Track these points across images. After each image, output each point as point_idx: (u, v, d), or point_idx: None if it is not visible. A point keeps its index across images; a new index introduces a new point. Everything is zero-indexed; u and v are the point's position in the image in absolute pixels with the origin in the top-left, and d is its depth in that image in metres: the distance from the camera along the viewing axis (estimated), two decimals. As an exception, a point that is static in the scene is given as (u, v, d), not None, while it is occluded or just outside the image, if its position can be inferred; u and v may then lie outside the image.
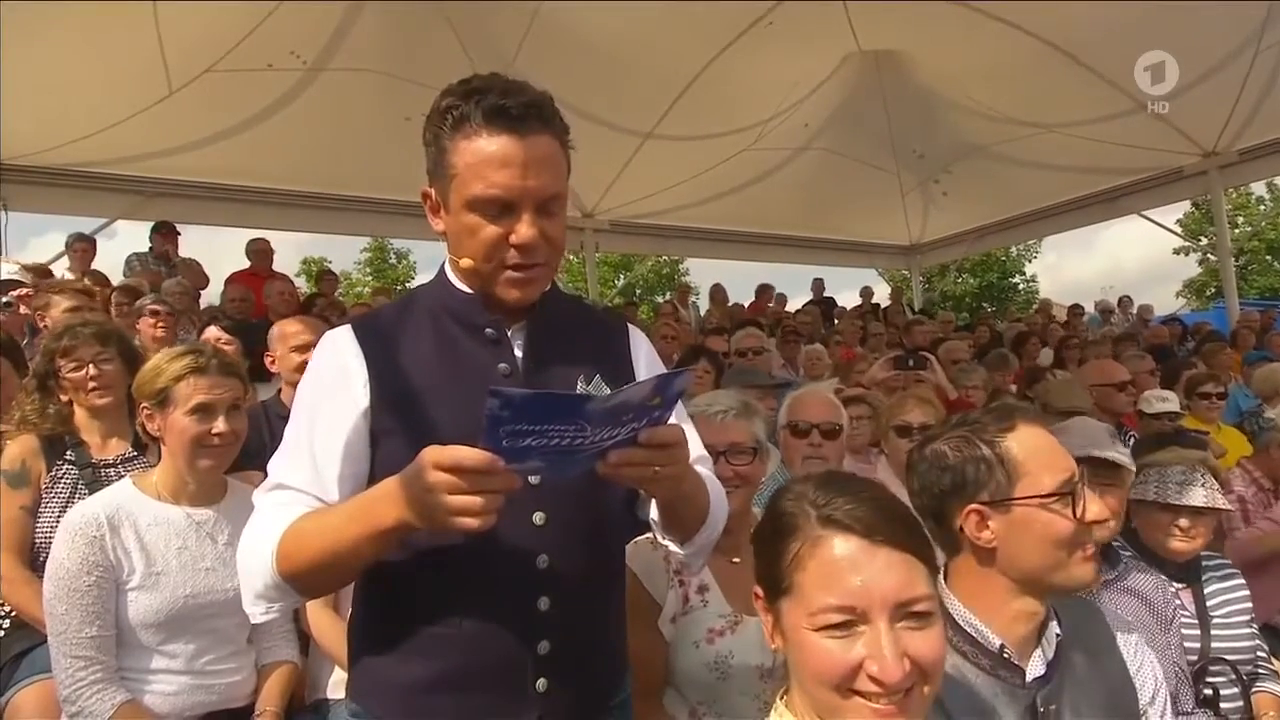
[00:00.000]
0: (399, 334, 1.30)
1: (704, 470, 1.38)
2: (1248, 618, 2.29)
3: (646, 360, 1.45)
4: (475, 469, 0.98)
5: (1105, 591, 2.05)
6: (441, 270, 1.36)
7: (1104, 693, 1.32)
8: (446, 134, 1.22)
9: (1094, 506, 1.25)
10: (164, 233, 7.66)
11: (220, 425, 2.01)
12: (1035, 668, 1.28)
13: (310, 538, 1.12)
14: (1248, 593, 2.33)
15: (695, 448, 1.38)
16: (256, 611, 1.19)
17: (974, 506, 1.27)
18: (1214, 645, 2.22)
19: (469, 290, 1.30)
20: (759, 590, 1.07)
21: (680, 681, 1.86)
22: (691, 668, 1.82)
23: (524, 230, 1.20)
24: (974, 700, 1.24)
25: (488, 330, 1.30)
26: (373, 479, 1.22)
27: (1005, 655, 1.26)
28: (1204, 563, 2.35)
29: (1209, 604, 2.28)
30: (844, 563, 0.97)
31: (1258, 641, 2.29)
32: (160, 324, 4.54)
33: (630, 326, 1.51)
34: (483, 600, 1.22)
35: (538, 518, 1.24)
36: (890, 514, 1.00)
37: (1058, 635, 1.31)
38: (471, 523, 0.99)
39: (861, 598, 0.95)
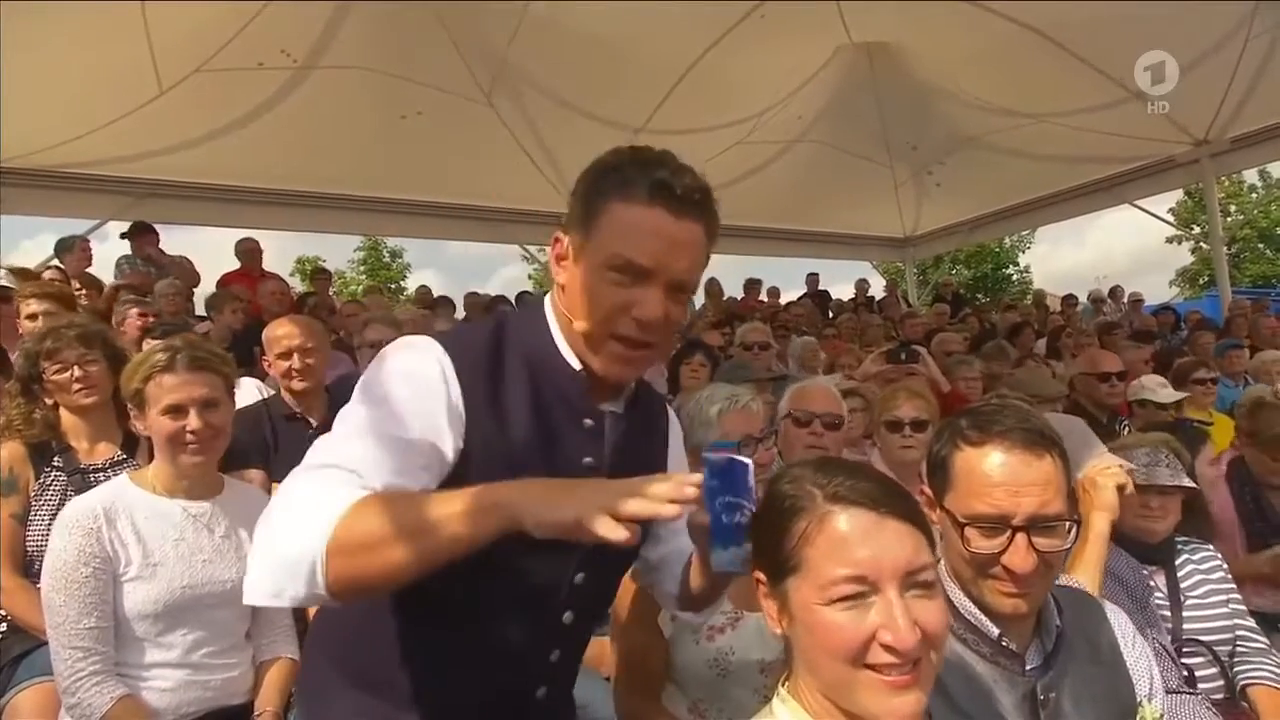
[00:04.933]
0: (496, 385, 1.20)
1: None
2: (1224, 597, 2.29)
3: (675, 444, 1.46)
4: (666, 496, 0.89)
5: None
6: (543, 317, 1.27)
7: (1102, 683, 1.33)
8: (606, 191, 1.18)
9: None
10: (140, 235, 7.43)
11: (193, 422, 1.99)
12: (1034, 657, 1.29)
13: (386, 517, 0.94)
14: (1224, 573, 2.34)
15: None
16: (260, 593, 0.97)
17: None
18: (1186, 626, 2.22)
19: (575, 365, 1.23)
20: (761, 576, 1.07)
21: (680, 678, 1.86)
22: (692, 664, 1.82)
23: (652, 303, 1.15)
24: (974, 686, 1.25)
25: (586, 421, 1.24)
26: None
27: (1004, 644, 1.27)
28: (1177, 544, 2.36)
29: (1182, 585, 2.29)
30: (854, 535, 0.98)
31: (1237, 620, 2.28)
32: (145, 326, 4.40)
33: (669, 409, 1.50)
34: (482, 687, 1.25)
35: (567, 617, 1.28)
36: (892, 489, 1.03)
37: (1057, 626, 1.31)
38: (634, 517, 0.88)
39: (872, 568, 0.96)
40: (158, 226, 7.61)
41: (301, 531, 0.95)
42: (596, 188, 1.20)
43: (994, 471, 1.26)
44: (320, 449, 1.07)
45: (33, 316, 3.81)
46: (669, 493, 0.89)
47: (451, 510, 0.93)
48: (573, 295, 1.20)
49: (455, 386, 1.15)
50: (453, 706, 1.23)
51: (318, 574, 0.93)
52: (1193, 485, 2.33)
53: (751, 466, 1.03)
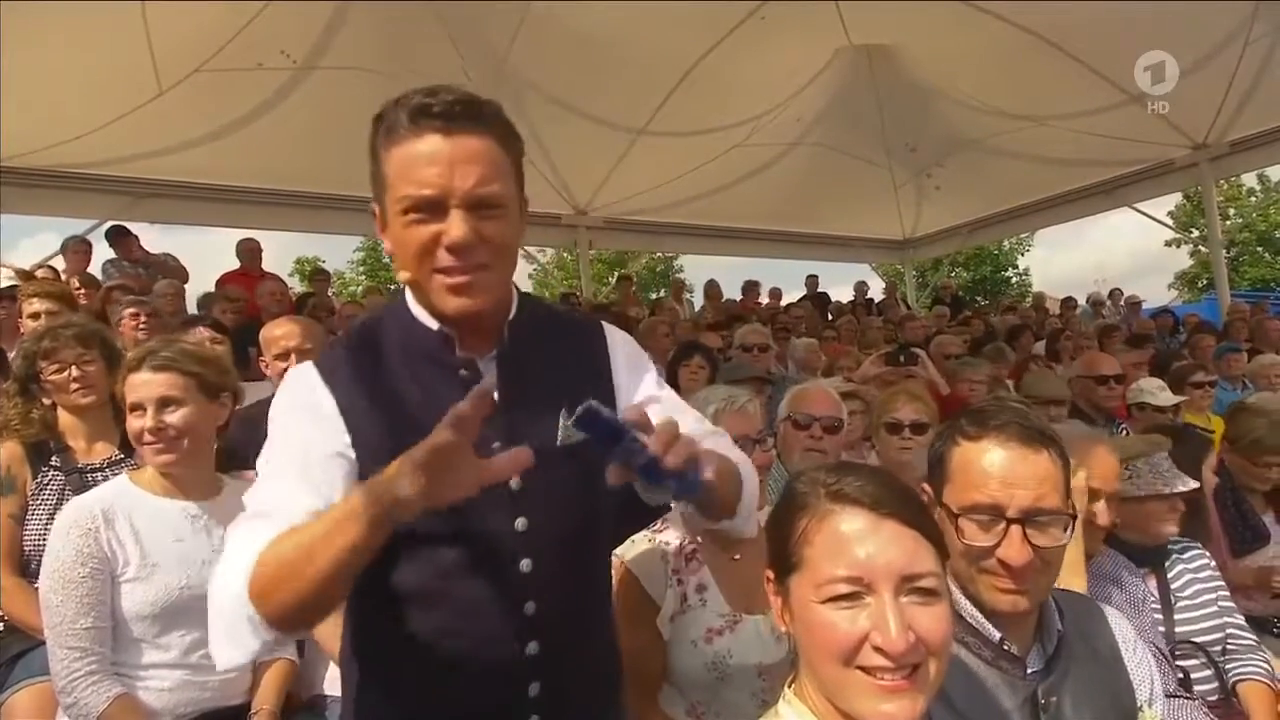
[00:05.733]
0: (366, 373, 1.24)
1: (722, 442, 1.36)
2: (1214, 595, 2.29)
3: (626, 362, 1.40)
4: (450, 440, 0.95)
5: None
6: (403, 301, 1.29)
7: (1103, 687, 1.33)
8: (380, 144, 1.17)
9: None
10: (120, 239, 7.39)
11: (148, 421, 1.96)
12: (1035, 661, 1.29)
13: (283, 559, 1.02)
14: (1213, 570, 2.34)
15: (692, 422, 1.36)
16: (223, 656, 1.07)
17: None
18: (1179, 629, 2.23)
19: (434, 325, 1.24)
20: (770, 573, 1.07)
21: (678, 680, 1.85)
22: (690, 667, 1.82)
23: (453, 229, 1.12)
24: (976, 689, 1.25)
25: (461, 371, 1.24)
26: None
27: (1005, 647, 1.27)
28: (1169, 546, 2.35)
29: (1173, 587, 2.29)
30: (850, 534, 0.98)
31: (1227, 619, 2.28)
32: (140, 325, 4.36)
33: (606, 328, 1.44)
34: (468, 651, 1.23)
35: (524, 565, 1.23)
36: (898, 492, 1.02)
37: (1059, 630, 1.31)
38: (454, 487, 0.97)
39: (867, 569, 0.95)
40: (157, 226, 7.62)
41: (229, 594, 1.05)
42: (372, 146, 1.19)
43: (990, 465, 1.26)
44: (249, 497, 1.18)
45: (35, 315, 3.80)
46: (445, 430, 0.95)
47: (330, 528, 1.00)
48: (395, 256, 1.21)
49: (324, 392, 1.21)
50: (450, 676, 1.24)
51: (257, 625, 1.03)
52: (1196, 484, 2.34)
53: (594, 405, 0.97)
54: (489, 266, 1.18)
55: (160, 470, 2.03)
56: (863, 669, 0.95)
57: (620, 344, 1.42)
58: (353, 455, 1.18)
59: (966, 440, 1.31)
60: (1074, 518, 1.26)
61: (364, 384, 1.23)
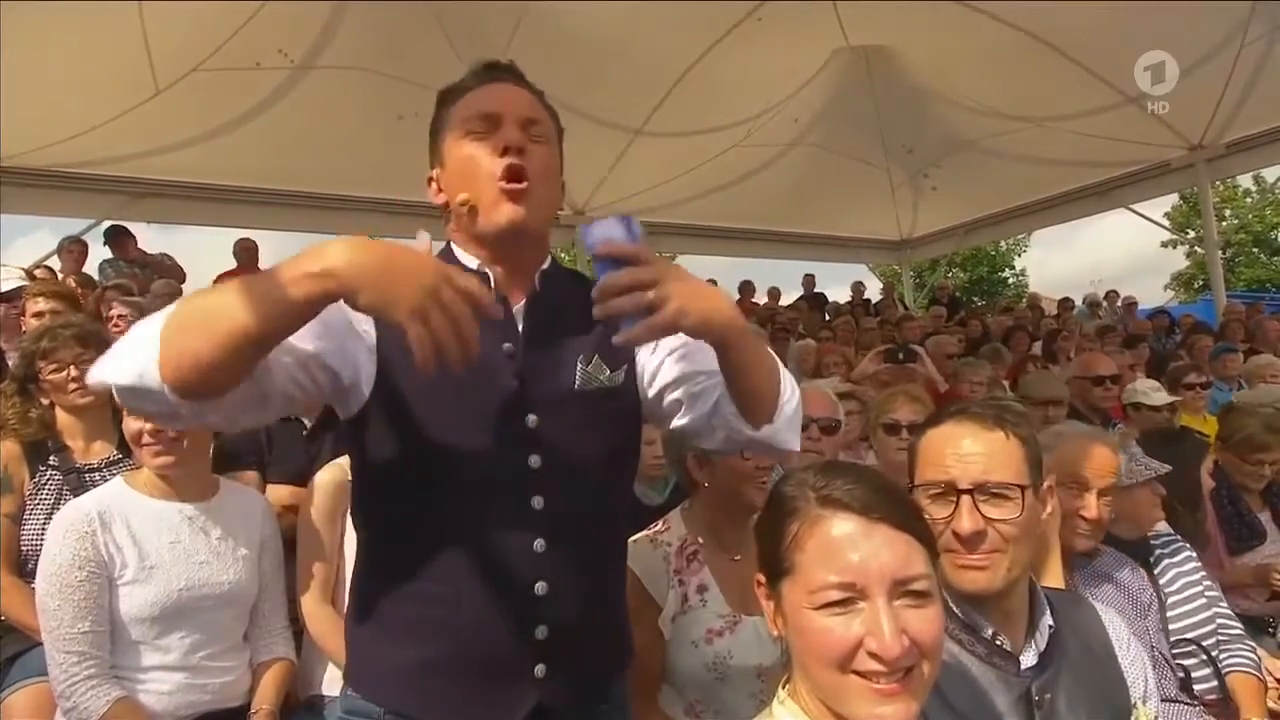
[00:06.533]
0: None
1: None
2: (1201, 589, 2.29)
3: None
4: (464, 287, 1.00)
5: (1080, 576, 2.06)
6: (447, 247, 1.35)
7: (1096, 684, 1.33)
8: (442, 113, 1.33)
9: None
10: (118, 239, 7.42)
11: (145, 423, 1.95)
12: (1028, 657, 1.29)
13: (208, 303, 0.99)
14: (1198, 564, 2.35)
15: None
16: (98, 369, 1.02)
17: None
18: (1173, 626, 2.23)
19: (474, 264, 1.30)
20: (761, 577, 1.07)
21: (678, 680, 1.86)
22: (690, 667, 1.82)
23: (511, 133, 1.25)
24: (970, 686, 1.25)
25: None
26: (364, 432, 1.23)
27: (999, 643, 1.27)
28: (1151, 542, 2.35)
29: (1162, 583, 2.29)
30: (842, 540, 0.98)
31: (1215, 610, 2.29)
32: (117, 328, 4.22)
33: None
34: (480, 585, 1.22)
35: (536, 502, 1.24)
36: (888, 495, 1.02)
37: (1050, 627, 1.32)
38: (438, 339, 0.97)
39: (860, 574, 0.96)
40: (154, 226, 7.61)
41: (143, 328, 1.01)
42: (435, 120, 1.35)
43: (945, 443, 1.31)
44: None
45: (39, 315, 3.79)
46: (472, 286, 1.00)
47: (280, 277, 0.96)
48: (453, 186, 1.29)
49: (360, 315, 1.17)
50: (456, 614, 1.22)
51: (153, 356, 0.97)
52: (1168, 467, 2.36)
53: (614, 222, 1.08)
54: (536, 184, 1.26)
55: (158, 472, 2.02)
56: (858, 673, 0.95)
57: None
58: (373, 343, 1.19)
59: (930, 428, 1.37)
60: (1025, 489, 1.27)
61: None
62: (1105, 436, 2.16)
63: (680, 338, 1.27)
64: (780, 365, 1.34)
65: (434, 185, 1.35)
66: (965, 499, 1.26)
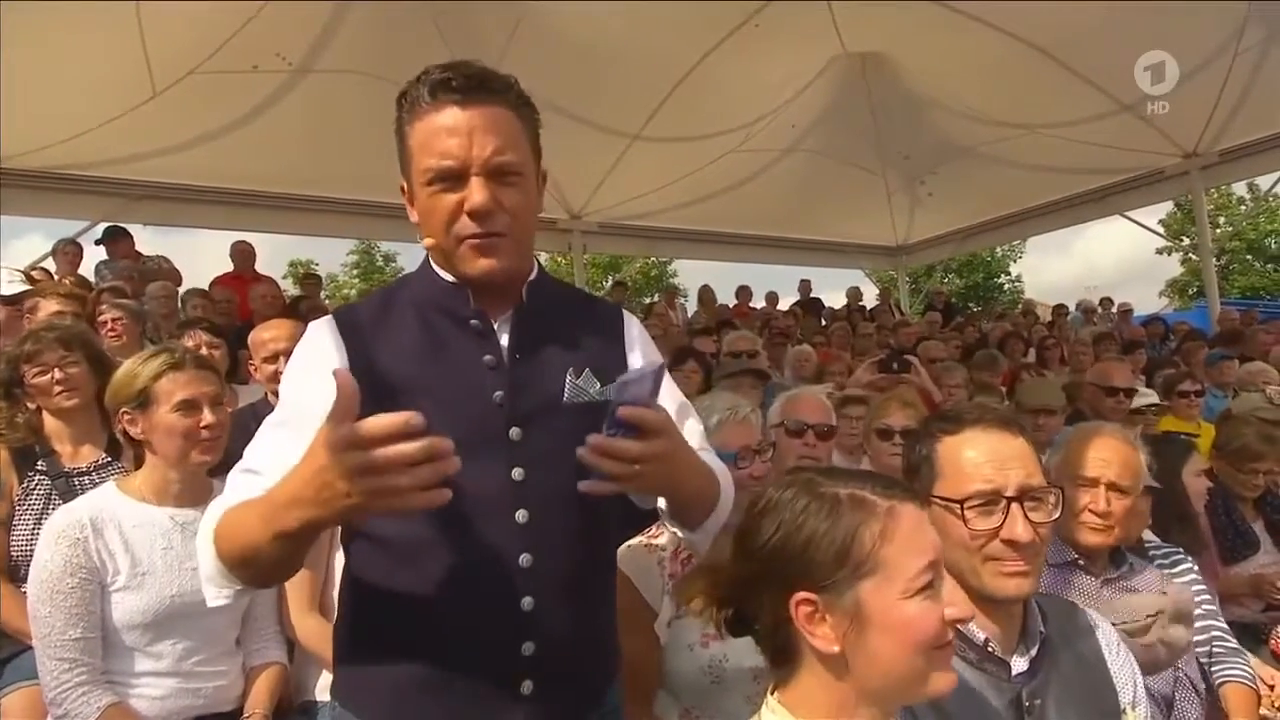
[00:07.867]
0: (381, 326, 1.28)
1: (709, 457, 1.38)
2: (1200, 601, 2.27)
3: (641, 346, 1.43)
4: (379, 435, 0.91)
5: (1108, 590, 2.00)
6: (425, 262, 1.34)
7: (1086, 689, 1.34)
8: (404, 120, 1.24)
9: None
10: (114, 240, 7.41)
11: (208, 417, 1.99)
12: (1019, 663, 1.30)
13: (236, 528, 1.08)
14: (1197, 576, 2.33)
15: (695, 437, 1.38)
16: (209, 594, 1.14)
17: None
18: None
19: (452, 279, 1.28)
20: (811, 596, 0.99)
21: (673, 685, 1.86)
22: (685, 671, 1.82)
23: (475, 196, 1.19)
24: (962, 692, 1.25)
25: (472, 321, 1.28)
26: None
27: (990, 650, 1.28)
28: (1151, 552, 2.34)
29: None
30: (923, 521, 1.02)
31: (1212, 622, 2.29)
32: (111, 331, 4.09)
33: (625, 313, 1.48)
34: (465, 601, 1.21)
35: (520, 516, 1.22)
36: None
37: (1041, 633, 1.33)
38: (405, 501, 0.93)
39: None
40: (151, 228, 7.60)
41: (203, 541, 1.13)
42: (397, 125, 1.26)
43: (978, 451, 1.31)
44: (249, 448, 1.20)
45: (59, 315, 3.76)
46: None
47: (268, 535, 1.03)
48: (422, 227, 1.27)
49: (338, 340, 1.25)
50: (442, 629, 1.22)
51: (232, 576, 1.10)
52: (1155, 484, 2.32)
53: (647, 377, 1.08)
54: (509, 234, 1.23)
55: (200, 468, 2.03)
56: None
57: (638, 328, 1.47)
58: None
59: (948, 436, 1.36)
60: (1062, 491, 1.31)
61: (377, 333, 1.27)
62: (1121, 432, 2.09)
63: (674, 406, 1.35)
64: (721, 484, 1.36)
65: (407, 199, 1.31)
66: (1015, 507, 1.26)
